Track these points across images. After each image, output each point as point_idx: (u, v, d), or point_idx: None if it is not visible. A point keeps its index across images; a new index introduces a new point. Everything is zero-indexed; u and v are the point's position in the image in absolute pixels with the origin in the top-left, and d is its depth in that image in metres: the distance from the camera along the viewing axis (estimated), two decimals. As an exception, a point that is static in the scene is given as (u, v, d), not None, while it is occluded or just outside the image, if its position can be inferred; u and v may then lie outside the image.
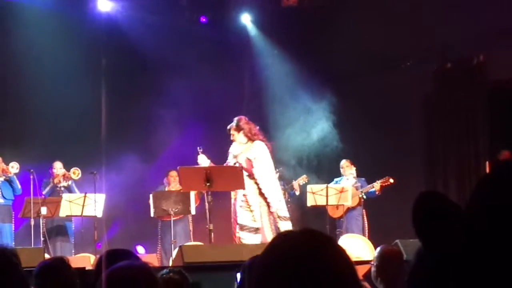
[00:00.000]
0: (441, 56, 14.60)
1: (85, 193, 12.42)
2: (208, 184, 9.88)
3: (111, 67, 15.24)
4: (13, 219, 12.72)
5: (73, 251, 12.87)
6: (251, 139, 10.59)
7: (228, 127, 10.68)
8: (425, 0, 14.26)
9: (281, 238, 1.79)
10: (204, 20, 15.96)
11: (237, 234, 10.56)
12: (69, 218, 12.72)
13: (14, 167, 12.54)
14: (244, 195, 10.49)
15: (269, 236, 10.35)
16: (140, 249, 13.80)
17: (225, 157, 10.86)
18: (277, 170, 13.68)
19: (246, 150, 10.58)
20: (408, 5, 14.04)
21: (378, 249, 5.44)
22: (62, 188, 13.05)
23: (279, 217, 10.49)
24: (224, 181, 10.09)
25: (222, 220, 11.12)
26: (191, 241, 12.49)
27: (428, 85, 14.84)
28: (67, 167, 13.08)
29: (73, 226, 13.11)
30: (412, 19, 13.96)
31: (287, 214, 10.67)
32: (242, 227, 10.54)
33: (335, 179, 13.39)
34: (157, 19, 14.95)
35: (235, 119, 10.71)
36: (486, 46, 13.95)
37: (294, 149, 14.87)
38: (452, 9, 13.64)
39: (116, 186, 13.88)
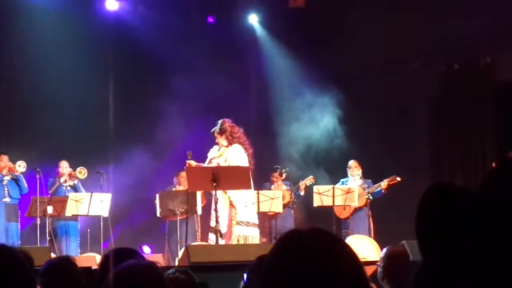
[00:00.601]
0: (448, 57, 14.57)
1: (92, 192, 12.44)
2: (214, 184, 9.88)
3: (118, 67, 15.29)
4: (19, 218, 12.74)
5: (78, 250, 12.87)
6: (230, 142, 10.63)
7: (212, 130, 10.72)
8: (432, 1, 14.24)
9: (289, 237, 1.78)
10: (211, 20, 15.97)
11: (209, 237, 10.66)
12: (75, 217, 12.73)
13: (21, 166, 12.56)
14: (215, 199, 10.56)
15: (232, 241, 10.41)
16: (146, 249, 13.81)
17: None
18: (283, 170, 13.72)
19: (221, 154, 10.63)
20: (415, 6, 14.04)
21: (384, 250, 5.43)
22: (68, 187, 13.05)
23: (237, 222, 10.49)
24: (230, 180, 10.09)
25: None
26: (198, 241, 12.47)
27: (435, 86, 14.82)
28: (73, 166, 13.08)
29: (79, 225, 13.11)
30: (419, 20, 13.96)
31: (251, 220, 10.64)
32: (211, 229, 10.63)
33: (342, 180, 13.37)
34: (165, 19, 14.95)
35: (219, 122, 10.75)
36: (493, 48, 13.93)
37: (300, 146, 14.92)
38: (460, 10, 13.61)
39: (122, 186, 13.89)
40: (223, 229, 10.41)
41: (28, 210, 12.21)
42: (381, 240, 11.84)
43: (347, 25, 14.54)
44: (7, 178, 12.58)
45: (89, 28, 14.74)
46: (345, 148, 14.58)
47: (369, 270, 7.08)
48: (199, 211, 12.49)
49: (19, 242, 12.27)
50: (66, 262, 4.27)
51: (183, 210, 12.08)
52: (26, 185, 12.62)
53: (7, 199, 12.59)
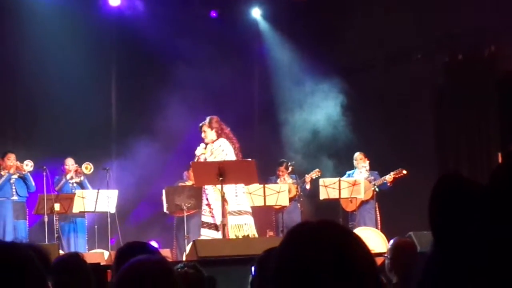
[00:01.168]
0: (452, 48, 14.55)
1: (98, 189, 12.47)
2: (221, 178, 9.91)
3: (121, 63, 15.29)
4: (27, 216, 12.79)
5: (86, 247, 12.91)
6: (218, 137, 10.78)
7: (201, 124, 10.82)
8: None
9: (299, 229, 1.79)
10: (214, 15, 15.97)
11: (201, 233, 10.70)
12: (82, 214, 12.76)
13: (28, 165, 12.60)
14: (206, 193, 10.60)
15: (229, 232, 10.43)
16: (153, 245, 13.82)
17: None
18: (289, 164, 13.73)
19: (207, 149, 10.73)
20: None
21: (392, 241, 5.44)
22: (75, 184, 13.08)
23: (229, 212, 10.54)
24: (236, 175, 10.13)
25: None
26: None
27: (439, 76, 14.81)
28: (79, 163, 13.11)
29: (86, 222, 13.14)
30: (423, 10, 13.94)
31: (243, 208, 10.72)
32: (203, 224, 10.66)
33: (348, 172, 13.38)
34: (168, 14, 14.95)
35: (208, 117, 10.90)
36: (497, 37, 13.91)
37: (304, 136, 15.01)
38: (463, 0, 13.60)
39: (129, 181, 13.91)
40: (218, 221, 10.47)
41: (35, 208, 12.24)
42: (388, 232, 11.86)
43: (350, 16, 14.54)
44: (15, 176, 12.62)
45: (93, 24, 14.75)
46: (349, 139, 14.59)
47: (377, 261, 7.10)
48: (206, 206, 12.49)
49: (27, 240, 12.30)
50: (76, 259, 4.29)
51: (189, 205, 12.08)
52: (33, 183, 12.66)
53: (15, 197, 12.64)
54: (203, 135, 10.85)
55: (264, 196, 12.08)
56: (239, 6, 16.05)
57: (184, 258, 10.19)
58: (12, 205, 12.57)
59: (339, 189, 12.43)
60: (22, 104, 14.65)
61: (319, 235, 1.74)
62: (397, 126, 14.46)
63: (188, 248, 10.10)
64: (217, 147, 10.71)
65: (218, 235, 10.43)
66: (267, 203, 12.22)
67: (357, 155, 13.40)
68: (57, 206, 12.15)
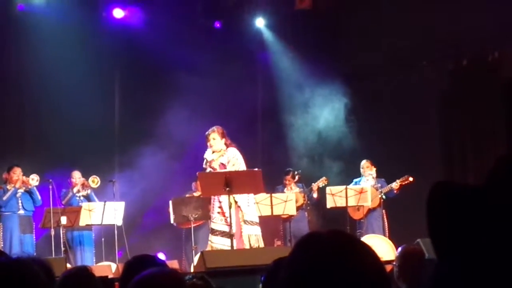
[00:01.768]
0: (457, 53, 14.55)
1: (105, 201, 12.47)
2: (227, 188, 9.90)
3: (126, 75, 15.30)
4: (34, 230, 12.78)
5: (94, 259, 12.89)
6: (227, 145, 10.74)
7: (209, 132, 10.78)
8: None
9: (309, 240, 1.78)
10: (218, 25, 16.00)
11: (209, 239, 10.67)
12: (89, 227, 12.75)
13: (34, 179, 12.60)
14: (219, 200, 10.57)
15: (241, 241, 10.43)
16: (161, 256, 13.81)
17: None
18: (295, 172, 13.72)
19: (220, 156, 10.70)
20: (422, 3, 14.02)
21: (400, 249, 5.43)
22: (81, 197, 13.08)
23: (245, 221, 10.53)
24: (243, 185, 10.11)
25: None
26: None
27: (444, 82, 14.81)
28: (85, 175, 13.11)
29: (93, 235, 13.13)
30: (427, 17, 13.94)
31: (254, 219, 10.71)
32: (214, 231, 10.63)
33: (355, 180, 13.36)
34: (172, 24, 14.97)
35: (215, 127, 10.83)
36: (501, 43, 13.91)
37: (309, 142, 14.99)
38: (467, 6, 13.59)
39: (135, 192, 13.90)
40: (233, 229, 10.44)
41: (42, 221, 12.24)
42: (396, 239, 11.83)
43: (354, 24, 14.56)
44: (21, 190, 12.63)
45: (97, 36, 14.78)
46: (355, 146, 14.58)
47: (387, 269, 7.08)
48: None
49: (34, 254, 12.28)
50: (84, 272, 4.27)
51: (196, 215, 12.06)
52: (39, 197, 12.66)
53: (21, 211, 12.64)
54: (211, 143, 10.79)
55: (271, 205, 12.06)
56: (243, 16, 16.07)
57: (192, 270, 10.17)
58: (18, 219, 12.57)
59: (346, 197, 12.41)
60: (27, 117, 14.67)
61: (328, 245, 1.73)
62: (402, 132, 14.44)
63: (196, 259, 10.08)
64: (232, 156, 10.69)
65: (230, 243, 10.39)
66: (275, 213, 12.20)
67: (364, 163, 13.38)
68: (63, 219, 12.15)
